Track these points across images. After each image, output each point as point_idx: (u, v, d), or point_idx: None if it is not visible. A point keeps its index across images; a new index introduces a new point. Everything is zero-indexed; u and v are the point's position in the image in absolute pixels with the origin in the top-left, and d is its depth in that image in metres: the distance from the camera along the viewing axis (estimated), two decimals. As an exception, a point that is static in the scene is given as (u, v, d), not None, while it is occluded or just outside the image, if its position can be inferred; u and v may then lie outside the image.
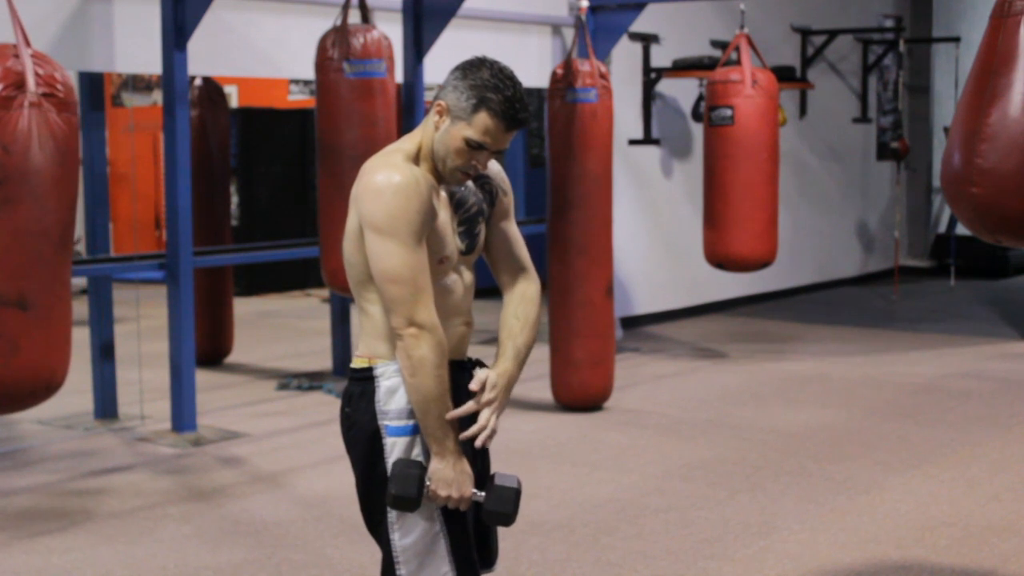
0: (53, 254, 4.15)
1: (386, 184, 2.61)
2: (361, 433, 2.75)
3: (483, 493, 2.72)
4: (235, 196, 11.63)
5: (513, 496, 2.72)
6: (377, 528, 2.81)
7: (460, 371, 2.79)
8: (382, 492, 2.73)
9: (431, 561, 2.74)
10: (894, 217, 12.39)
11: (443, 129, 2.69)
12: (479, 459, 2.82)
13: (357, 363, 2.78)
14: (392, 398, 2.72)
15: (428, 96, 7.36)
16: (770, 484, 5.51)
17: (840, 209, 12.22)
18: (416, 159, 2.72)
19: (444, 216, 2.75)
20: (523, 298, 2.88)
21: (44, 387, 4.20)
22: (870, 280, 12.54)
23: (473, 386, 2.73)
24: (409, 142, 2.75)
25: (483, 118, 2.64)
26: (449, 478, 2.67)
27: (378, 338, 2.74)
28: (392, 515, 2.74)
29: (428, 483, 2.68)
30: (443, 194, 2.79)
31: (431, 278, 2.68)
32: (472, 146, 2.67)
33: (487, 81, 2.64)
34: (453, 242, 2.77)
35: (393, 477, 2.69)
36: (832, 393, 7.44)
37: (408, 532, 2.74)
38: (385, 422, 2.73)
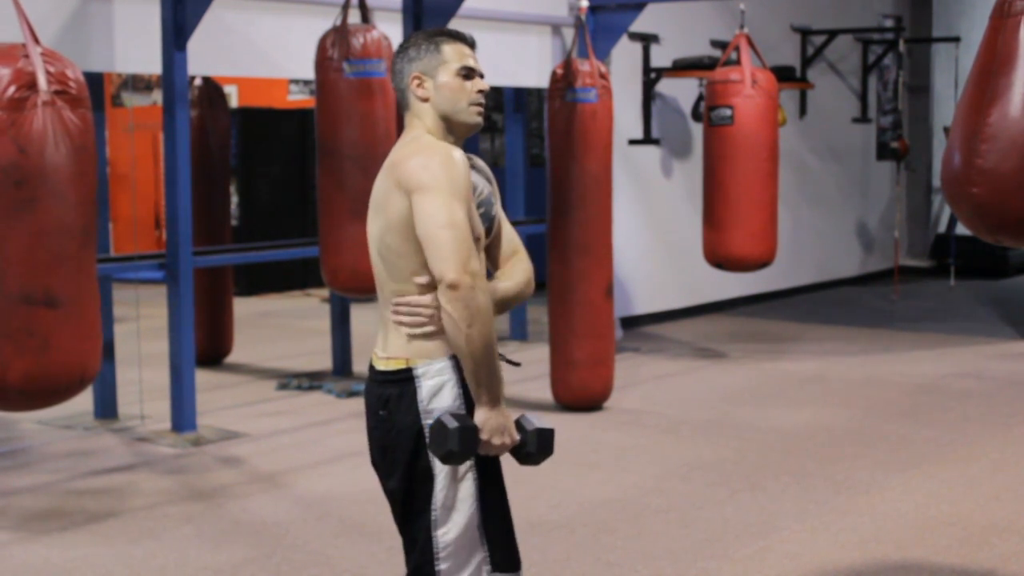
0: (77, 250, 4.18)
1: (431, 159, 2.70)
2: (404, 434, 2.76)
3: (518, 437, 2.77)
4: (235, 196, 11.63)
5: (552, 437, 2.80)
6: (414, 525, 2.80)
7: None
8: (425, 488, 2.74)
9: (471, 555, 2.77)
10: (894, 217, 12.39)
11: (433, 89, 2.81)
12: None
13: (391, 364, 2.78)
14: (436, 397, 2.75)
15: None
16: (770, 484, 5.51)
17: (840, 209, 12.22)
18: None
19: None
20: (518, 262, 2.98)
21: (78, 381, 4.26)
22: (870, 280, 12.54)
23: None
24: (418, 131, 2.82)
25: (449, 49, 2.82)
26: (502, 426, 2.71)
27: (415, 337, 2.76)
28: (435, 513, 2.75)
29: (483, 435, 2.70)
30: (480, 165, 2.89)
31: None
32: (464, 74, 2.81)
33: (424, 35, 2.85)
34: (478, 218, 2.83)
35: (449, 433, 2.65)
36: (832, 393, 7.44)
37: (452, 528, 2.75)
38: (430, 421, 2.73)
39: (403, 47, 2.86)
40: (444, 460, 2.70)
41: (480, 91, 2.82)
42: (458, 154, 2.72)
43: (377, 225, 2.78)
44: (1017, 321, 10.05)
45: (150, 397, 6.86)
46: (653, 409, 7.01)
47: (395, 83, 2.86)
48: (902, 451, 6.08)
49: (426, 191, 2.66)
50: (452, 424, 2.66)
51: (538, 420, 2.82)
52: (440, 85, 2.80)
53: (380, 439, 2.83)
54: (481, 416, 2.69)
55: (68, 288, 4.15)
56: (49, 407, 4.41)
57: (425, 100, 2.81)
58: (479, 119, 2.83)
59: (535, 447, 2.78)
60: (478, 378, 2.67)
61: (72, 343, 4.18)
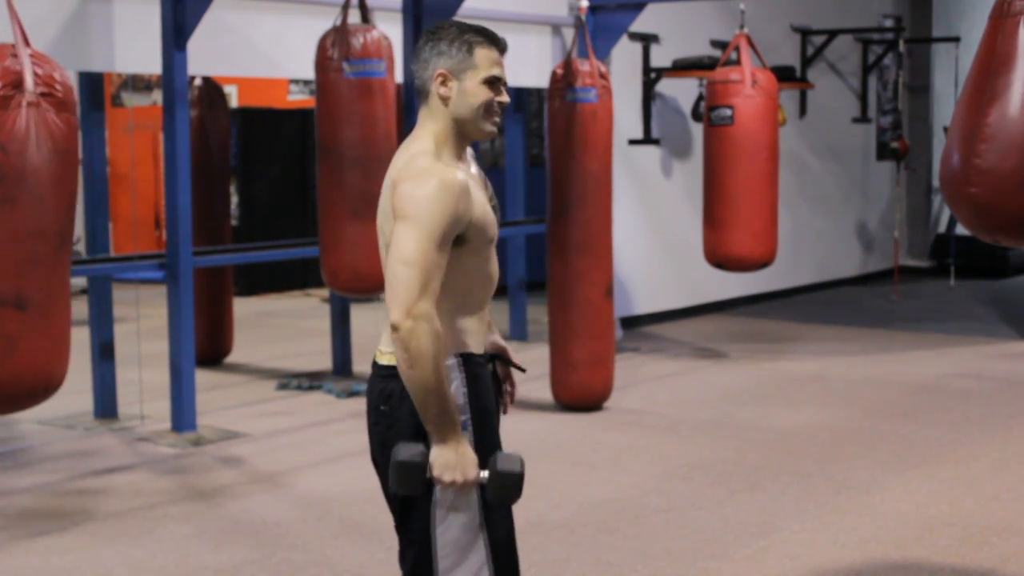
0: (51, 254, 4.14)
1: (420, 188, 2.64)
2: (404, 431, 2.74)
3: (486, 474, 2.71)
4: (235, 196, 11.63)
5: (516, 481, 2.71)
6: (414, 523, 2.79)
7: (486, 364, 2.86)
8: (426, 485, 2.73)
9: (470, 555, 2.76)
10: (894, 217, 12.39)
11: (456, 91, 2.75)
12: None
13: (394, 360, 2.74)
14: None
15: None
16: (770, 484, 5.51)
17: (840, 209, 12.22)
18: (439, 153, 2.75)
19: (481, 197, 2.79)
20: None
21: (42, 388, 4.19)
22: (870, 280, 12.54)
23: (510, 360, 2.98)
24: (424, 141, 2.76)
25: (482, 54, 2.77)
26: (452, 462, 2.66)
27: None
28: (435, 511, 2.75)
29: (432, 471, 2.67)
30: (474, 170, 2.86)
31: (482, 265, 2.78)
32: (491, 83, 2.76)
33: (458, 29, 2.79)
34: (493, 218, 2.82)
35: (395, 465, 2.68)
36: (832, 393, 7.44)
37: (451, 526, 2.75)
38: None
39: (435, 35, 2.79)
40: (395, 489, 2.71)
41: (501, 103, 2.78)
42: (452, 179, 2.66)
43: (383, 237, 2.77)
44: (1017, 321, 10.05)
45: (150, 397, 6.86)
46: (653, 409, 7.01)
47: (416, 68, 2.79)
48: (902, 451, 6.08)
49: (404, 221, 2.64)
50: (395, 457, 2.67)
51: (510, 462, 2.70)
52: (464, 90, 2.75)
53: (381, 435, 2.81)
54: (433, 452, 2.68)
55: (39, 292, 4.10)
56: (11, 412, 4.36)
57: (445, 99, 2.75)
58: (494, 129, 2.80)
59: (491, 491, 2.71)
60: (424, 416, 2.66)
61: (39, 348, 4.12)
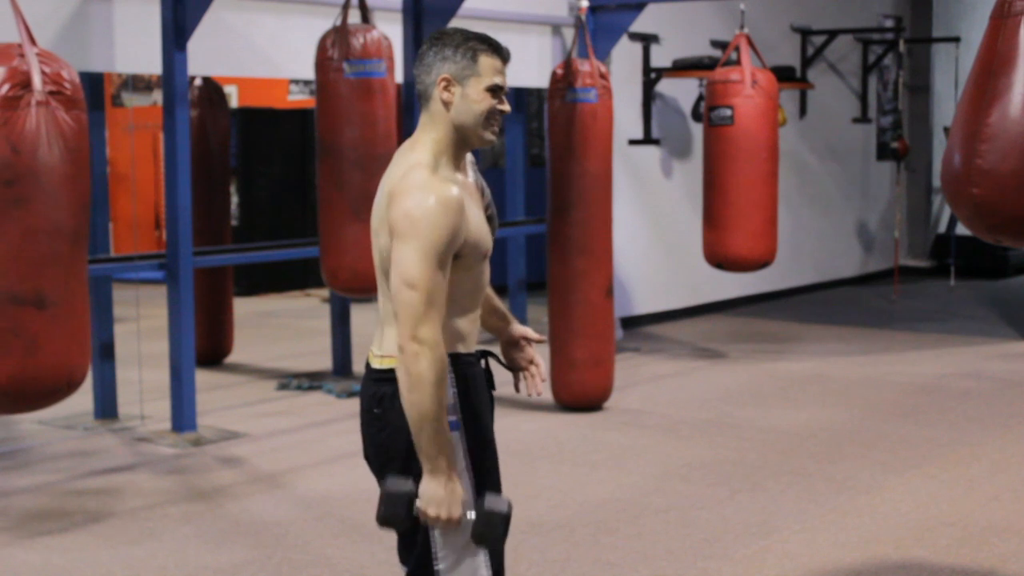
0: (68, 252, 4.16)
1: (418, 206, 2.63)
2: (397, 434, 2.73)
3: (473, 514, 2.69)
4: (235, 196, 11.63)
5: (502, 521, 2.68)
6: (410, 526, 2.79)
7: (477, 362, 2.85)
8: (420, 487, 2.72)
9: (468, 555, 2.76)
10: (894, 217, 12.39)
11: (458, 96, 2.75)
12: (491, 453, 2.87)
13: (386, 363, 2.76)
14: None
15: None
16: (770, 484, 5.51)
17: (840, 209, 12.22)
18: (436, 165, 2.74)
19: (476, 210, 2.79)
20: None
21: (65, 385, 4.21)
22: (870, 280, 12.54)
23: (532, 336, 3.04)
24: (423, 151, 2.75)
25: (485, 62, 2.76)
26: (440, 498, 2.65)
27: None
28: None
29: (418, 503, 2.66)
30: (470, 179, 2.85)
31: (475, 277, 2.78)
32: (493, 91, 2.77)
33: (463, 36, 2.79)
34: (487, 232, 2.82)
35: (383, 496, 2.68)
36: (832, 393, 7.44)
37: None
38: None
39: (439, 41, 2.78)
40: (380, 522, 2.69)
41: (502, 111, 2.79)
42: (449, 196, 2.65)
43: (376, 243, 2.77)
44: (1017, 321, 10.05)
45: (150, 397, 6.86)
46: (653, 409, 7.01)
47: (419, 72, 2.79)
48: (902, 451, 6.08)
49: (403, 240, 2.63)
50: (383, 488, 2.67)
51: (498, 503, 2.68)
52: (466, 96, 2.75)
53: (373, 437, 2.82)
54: (422, 484, 2.67)
55: (57, 289, 4.11)
56: (34, 411, 4.37)
57: (447, 104, 2.75)
58: (494, 138, 2.80)
59: (477, 531, 2.68)
60: (417, 444, 2.65)
61: (60, 345, 4.13)
